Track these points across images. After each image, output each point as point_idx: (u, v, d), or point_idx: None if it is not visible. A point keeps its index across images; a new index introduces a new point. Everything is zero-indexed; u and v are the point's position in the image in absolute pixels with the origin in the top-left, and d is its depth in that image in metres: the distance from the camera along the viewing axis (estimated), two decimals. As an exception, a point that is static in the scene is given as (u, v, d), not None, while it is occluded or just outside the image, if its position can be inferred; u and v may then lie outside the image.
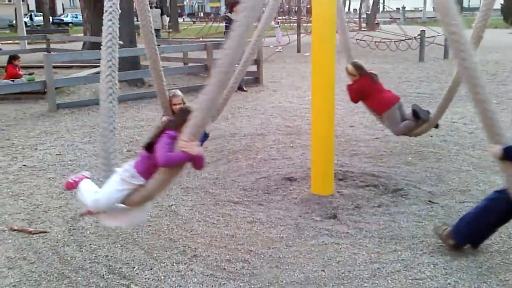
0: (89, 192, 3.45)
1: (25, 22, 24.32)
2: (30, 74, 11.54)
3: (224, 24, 11.54)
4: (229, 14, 10.97)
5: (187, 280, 3.34)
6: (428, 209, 4.40)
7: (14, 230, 4.15)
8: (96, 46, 10.06)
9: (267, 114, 8.52)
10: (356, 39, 17.98)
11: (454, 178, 5.17)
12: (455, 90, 5.20)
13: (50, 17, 39.04)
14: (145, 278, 3.37)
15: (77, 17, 43.83)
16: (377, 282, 3.27)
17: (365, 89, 5.69)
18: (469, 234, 3.57)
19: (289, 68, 14.65)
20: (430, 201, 4.57)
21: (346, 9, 54.77)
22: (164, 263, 3.57)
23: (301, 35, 19.28)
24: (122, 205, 3.27)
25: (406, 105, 5.97)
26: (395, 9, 46.18)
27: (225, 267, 3.50)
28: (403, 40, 17.16)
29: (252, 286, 3.26)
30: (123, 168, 3.27)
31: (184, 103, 5.07)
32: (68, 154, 6.31)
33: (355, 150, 6.26)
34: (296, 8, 26.42)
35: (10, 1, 44.62)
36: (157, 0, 16.69)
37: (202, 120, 3.00)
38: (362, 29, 30.80)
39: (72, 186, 3.64)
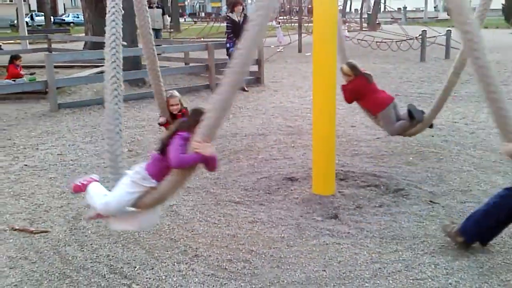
0: (99, 195, 3.36)
1: (27, 22, 24.40)
2: (31, 74, 11.54)
3: (225, 24, 11.52)
4: (230, 14, 10.98)
5: (188, 280, 3.34)
6: (429, 209, 4.39)
7: (16, 229, 4.15)
8: (98, 46, 10.04)
9: (268, 114, 8.52)
10: (358, 39, 18.00)
11: (455, 178, 5.17)
12: (450, 90, 5.20)
13: (52, 17, 39.09)
14: (146, 278, 3.37)
15: (78, 17, 43.89)
16: (378, 282, 3.27)
17: (360, 89, 5.69)
18: (478, 231, 3.56)
19: (290, 68, 14.65)
20: (431, 201, 4.57)
21: (348, 9, 54.96)
22: (165, 263, 3.57)
23: (302, 35, 19.27)
24: (132, 208, 3.21)
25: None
26: (396, 9, 46.23)
27: (226, 267, 3.50)
28: (405, 40, 17.15)
29: (253, 286, 3.26)
30: (134, 171, 3.23)
31: (181, 104, 5.08)
32: (70, 154, 6.32)
33: (356, 150, 6.25)
34: (297, 8, 26.42)
35: (12, 1, 44.68)
36: (158, 0, 16.66)
37: (216, 121, 2.97)
38: (364, 29, 30.88)
39: (80, 189, 3.54)
